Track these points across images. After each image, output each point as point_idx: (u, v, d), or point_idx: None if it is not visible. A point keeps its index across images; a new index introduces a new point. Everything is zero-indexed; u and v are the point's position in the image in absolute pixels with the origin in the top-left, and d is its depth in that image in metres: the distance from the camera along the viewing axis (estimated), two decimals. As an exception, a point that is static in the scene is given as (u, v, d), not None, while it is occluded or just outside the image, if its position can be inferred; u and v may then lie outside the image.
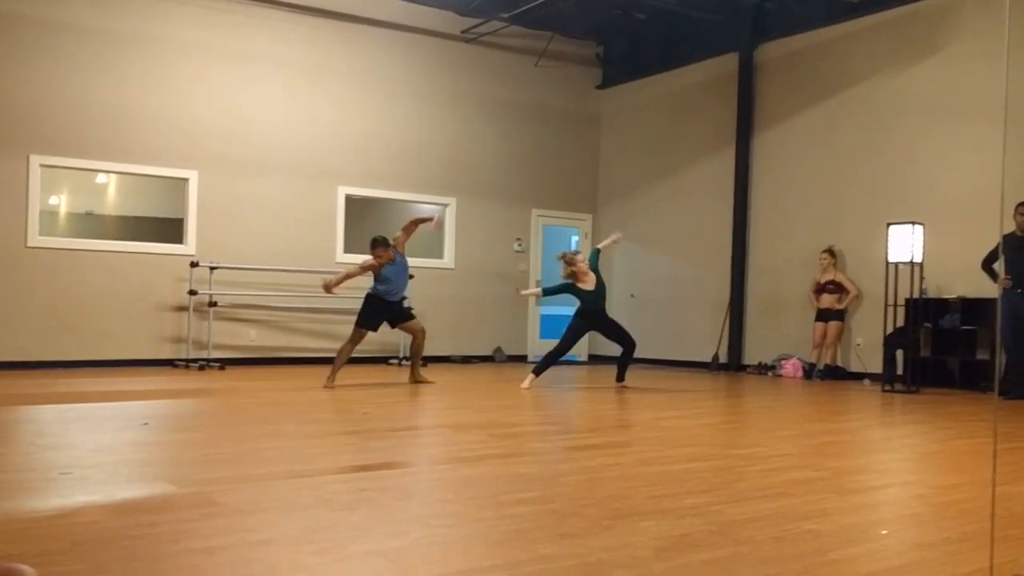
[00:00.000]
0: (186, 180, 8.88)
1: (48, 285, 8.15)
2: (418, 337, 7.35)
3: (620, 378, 7.45)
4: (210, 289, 8.65)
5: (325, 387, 6.72)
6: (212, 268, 8.64)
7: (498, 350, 10.74)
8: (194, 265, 8.58)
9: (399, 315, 7.35)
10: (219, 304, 8.79)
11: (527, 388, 7.00)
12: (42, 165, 8.20)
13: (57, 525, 2.48)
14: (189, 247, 8.84)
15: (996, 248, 6.91)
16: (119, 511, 2.66)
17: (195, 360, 8.55)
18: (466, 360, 10.25)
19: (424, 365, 8.49)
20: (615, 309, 11.48)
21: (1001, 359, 7.01)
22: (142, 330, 8.57)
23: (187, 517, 2.58)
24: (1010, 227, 6.99)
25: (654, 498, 2.98)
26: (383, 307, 7.20)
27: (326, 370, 6.89)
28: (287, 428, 4.63)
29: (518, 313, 11.03)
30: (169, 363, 8.59)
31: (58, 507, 2.70)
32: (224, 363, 8.61)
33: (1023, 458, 4.05)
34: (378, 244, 7.12)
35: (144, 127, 8.62)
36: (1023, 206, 6.93)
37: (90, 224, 10.94)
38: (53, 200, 10.70)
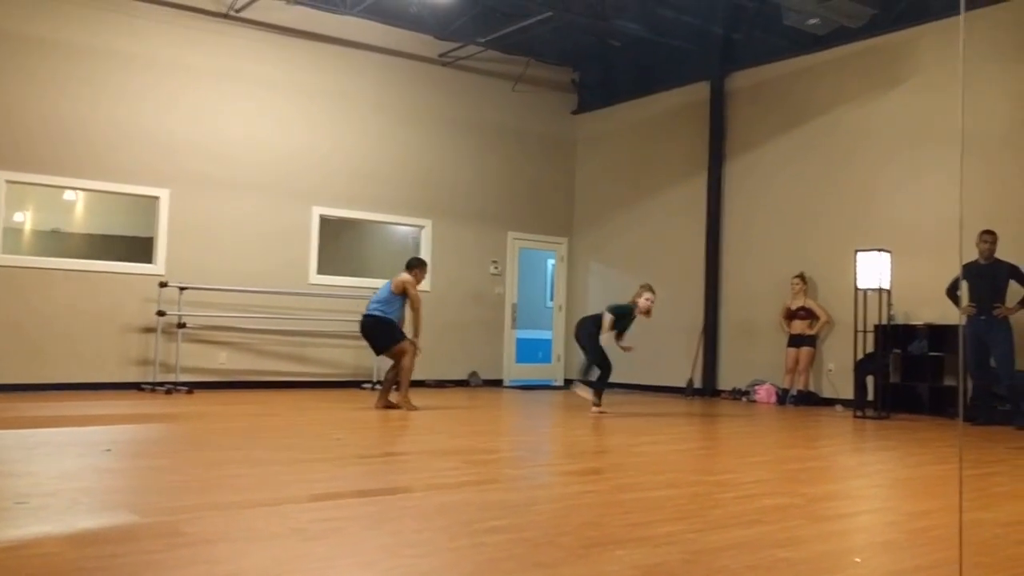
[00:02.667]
0: (157, 198, 8.77)
1: (11, 304, 7.98)
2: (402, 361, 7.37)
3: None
4: (179, 310, 8.53)
5: (408, 409, 6.92)
6: (182, 288, 8.52)
7: (473, 374, 10.68)
8: (163, 285, 8.45)
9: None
10: (188, 325, 8.65)
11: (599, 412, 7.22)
12: (8, 181, 8.06)
13: (11, 558, 2.38)
14: (158, 267, 8.71)
15: (959, 275, 7.03)
16: (79, 542, 2.57)
17: (162, 383, 8.39)
18: (441, 384, 10.18)
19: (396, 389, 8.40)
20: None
21: (967, 386, 7.12)
22: (108, 352, 8.40)
23: (151, 548, 2.50)
24: (971, 254, 7.12)
25: (629, 526, 2.95)
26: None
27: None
28: (256, 454, 4.54)
29: (494, 337, 11.00)
30: (135, 386, 8.42)
31: (13, 538, 2.60)
32: (192, 387, 8.46)
33: (992, 484, 4.08)
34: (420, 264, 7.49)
35: (115, 144, 8.52)
36: (986, 234, 7.07)
37: (56, 242, 10.75)
38: (18, 217, 10.51)
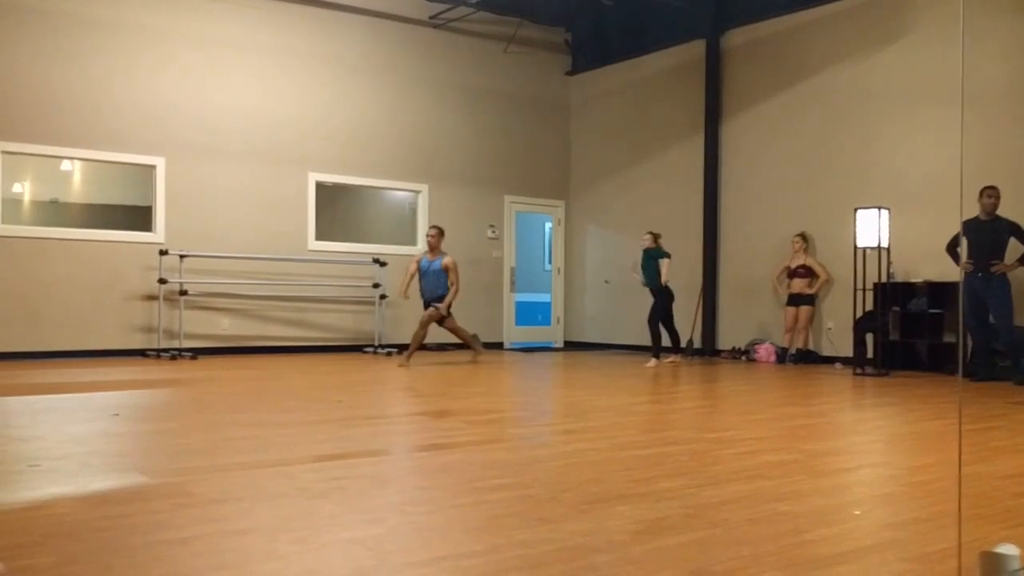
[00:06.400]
0: (153, 167, 8.72)
1: (13, 274, 7.99)
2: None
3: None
4: (180, 277, 8.54)
5: (400, 366, 7.65)
6: (182, 256, 8.52)
7: (474, 337, 10.70)
8: (163, 253, 8.45)
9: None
10: (190, 293, 8.67)
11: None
12: (4, 152, 8.00)
13: (27, 518, 2.43)
14: (158, 235, 8.70)
15: (960, 232, 7.02)
16: (90, 503, 2.61)
17: (166, 350, 8.44)
18: (441, 348, 10.23)
19: (399, 353, 8.45)
20: (589, 294, 11.54)
21: (967, 342, 7.16)
22: (112, 320, 8.43)
23: (160, 508, 2.55)
24: (972, 211, 7.10)
25: (631, 482, 3.00)
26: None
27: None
28: (260, 417, 4.59)
29: (493, 300, 11.02)
30: (140, 353, 8.47)
31: (28, 500, 2.65)
32: (196, 352, 8.50)
33: (990, 438, 4.13)
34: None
35: (110, 113, 8.45)
36: (989, 189, 7.03)
37: (56, 212, 10.71)
38: (16, 188, 10.46)
